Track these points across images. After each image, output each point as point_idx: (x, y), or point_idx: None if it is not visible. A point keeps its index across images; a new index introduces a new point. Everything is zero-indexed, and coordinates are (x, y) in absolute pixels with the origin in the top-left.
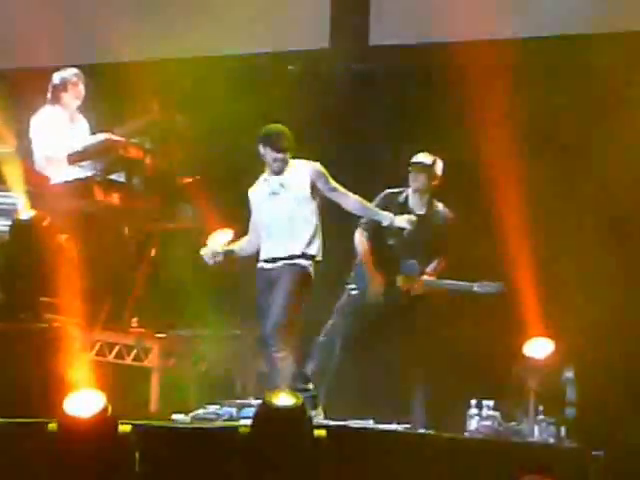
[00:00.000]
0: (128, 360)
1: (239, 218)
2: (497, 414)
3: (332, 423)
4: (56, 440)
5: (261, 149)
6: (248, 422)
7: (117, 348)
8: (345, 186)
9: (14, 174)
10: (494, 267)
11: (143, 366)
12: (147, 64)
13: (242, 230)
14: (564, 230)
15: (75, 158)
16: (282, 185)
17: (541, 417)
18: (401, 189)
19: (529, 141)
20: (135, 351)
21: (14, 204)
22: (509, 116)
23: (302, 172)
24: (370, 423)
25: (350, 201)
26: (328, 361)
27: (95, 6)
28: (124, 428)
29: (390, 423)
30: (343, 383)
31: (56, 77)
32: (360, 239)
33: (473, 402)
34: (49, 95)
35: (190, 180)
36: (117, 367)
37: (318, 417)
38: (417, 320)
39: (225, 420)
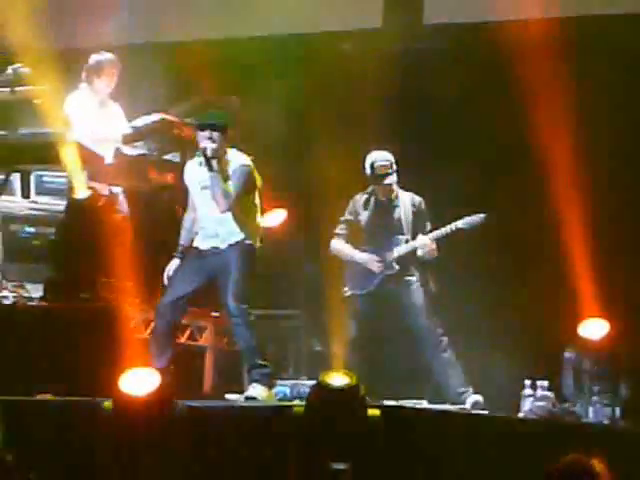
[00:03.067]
0: (182, 339)
1: (293, 198)
2: (551, 395)
3: (386, 403)
4: (112, 418)
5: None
6: (302, 402)
7: None
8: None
9: (69, 153)
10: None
11: (197, 345)
12: (201, 44)
13: (296, 210)
14: (620, 210)
15: (130, 138)
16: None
17: (595, 398)
18: (366, 191)
19: (584, 119)
20: (190, 330)
21: (70, 184)
22: (565, 95)
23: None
24: (424, 403)
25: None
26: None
27: None
28: (180, 406)
29: (444, 403)
30: (395, 366)
31: (91, 60)
32: (336, 246)
33: (527, 383)
34: (83, 76)
35: None
36: None
37: (260, 394)
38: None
39: (279, 400)
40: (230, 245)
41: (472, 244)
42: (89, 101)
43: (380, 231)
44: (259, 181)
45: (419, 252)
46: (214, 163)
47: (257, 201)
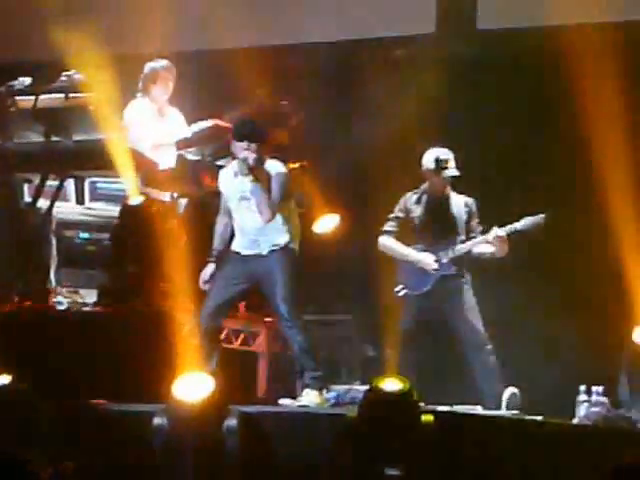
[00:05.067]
0: (236, 344)
1: (347, 203)
2: (606, 400)
3: (440, 408)
4: (164, 423)
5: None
6: (355, 407)
7: (225, 332)
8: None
9: (123, 159)
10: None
11: (251, 350)
12: (254, 50)
13: (351, 215)
14: None
15: (183, 144)
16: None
17: None
18: (416, 190)
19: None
20: (243, 335)
21: (123, 190)
22: (620, 104)
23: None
24: (478, 409)
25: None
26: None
27: None
28: (233, 412)
29: (498, 409)
30: (449, 368)
31: (147, 68)
32: (386, 243)
33: (582, 388)
34: (140, 85)
35: (297, 165)
36: (225, 351)
37: (313, 399)
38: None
39: (332, 405)
40: (272, 250)
41: (527, 245)
42: (147, 109)
43: (433, 229)
44: (300, 186)
45: (490, 249)
46: (256, 173)
47: (291, 203)
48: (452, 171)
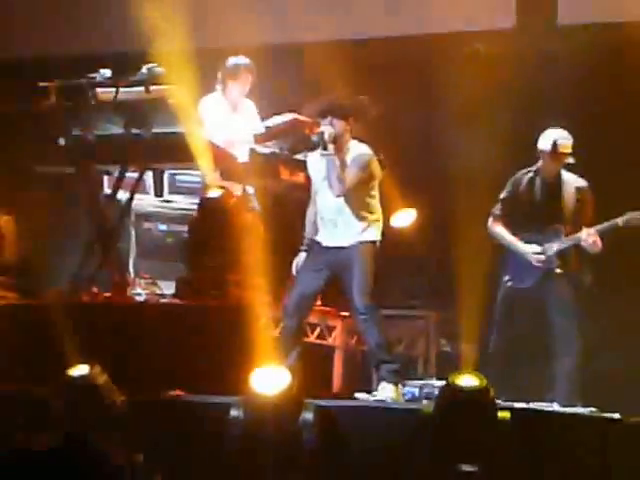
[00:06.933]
0: (312, 338)
1: (423, 197)
2: None
3: (516, 405)
4: (241, 417)
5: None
6: (431, 402)
7: None
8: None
9: (202, 152)
10: None
11: (327, 344)
12: (333, 45)
13: (427, 209)
14: None
15: (262, 138)
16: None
17: None
18: (529, 169)
19: None
20: (319, 329)
21: (202, 183)
22: None
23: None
24: (554, 406)
25: None
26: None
27: None
28: (309, 406)
29: (574, 406)
30: (525, 366)
31: (228, 63)
32: (495, 229)
33: None
34: (219, 78)
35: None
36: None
37: (389, 394)
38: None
39: (408, 400)
40: (352, 244)
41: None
42: (222, 104)
43: (541, 216)
44: (379, 173)
45: (582, 243)
46: (330, 147)
47: (375, 193)
48: (570, 159)
